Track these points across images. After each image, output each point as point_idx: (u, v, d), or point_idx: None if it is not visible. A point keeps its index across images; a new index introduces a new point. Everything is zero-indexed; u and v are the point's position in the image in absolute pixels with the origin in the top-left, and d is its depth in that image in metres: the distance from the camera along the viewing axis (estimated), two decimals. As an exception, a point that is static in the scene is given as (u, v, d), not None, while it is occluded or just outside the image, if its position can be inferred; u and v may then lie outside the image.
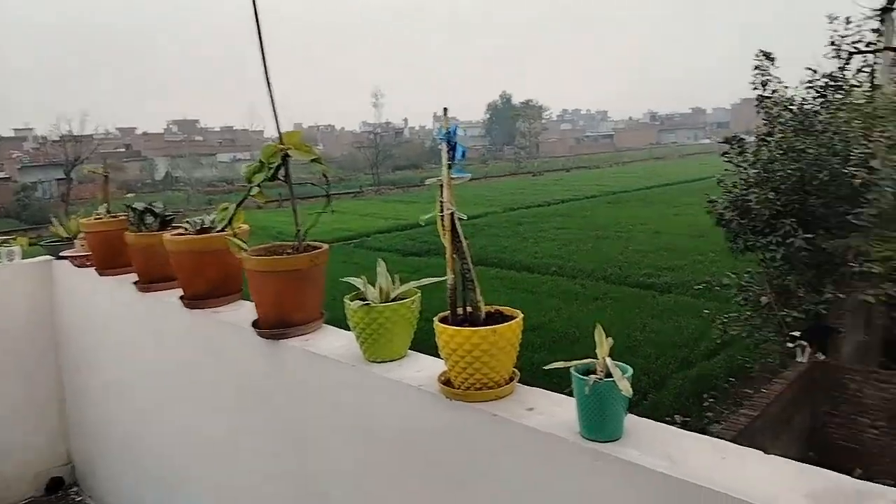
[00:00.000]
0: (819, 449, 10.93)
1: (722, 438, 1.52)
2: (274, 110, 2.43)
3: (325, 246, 2.54)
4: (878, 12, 13.88)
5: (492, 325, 1.80)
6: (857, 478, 1.32)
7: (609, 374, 1.57)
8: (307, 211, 2.55)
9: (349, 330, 2.22)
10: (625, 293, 20.67)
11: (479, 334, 1.77)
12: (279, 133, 2.43)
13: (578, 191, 52.18)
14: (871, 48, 14.26)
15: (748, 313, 12.55)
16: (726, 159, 12.38)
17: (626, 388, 1.52)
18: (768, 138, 12.14)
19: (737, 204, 11.77)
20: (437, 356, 1.97)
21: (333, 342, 2.40)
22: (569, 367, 1.64)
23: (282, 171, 2.46)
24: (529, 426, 1.66)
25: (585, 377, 1.57)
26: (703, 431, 10.09)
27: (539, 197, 48.30)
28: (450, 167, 1.86)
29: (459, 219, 1.87)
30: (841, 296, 11.03)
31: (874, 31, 14.03)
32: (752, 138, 12.73)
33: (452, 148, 1.85)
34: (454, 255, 1.88)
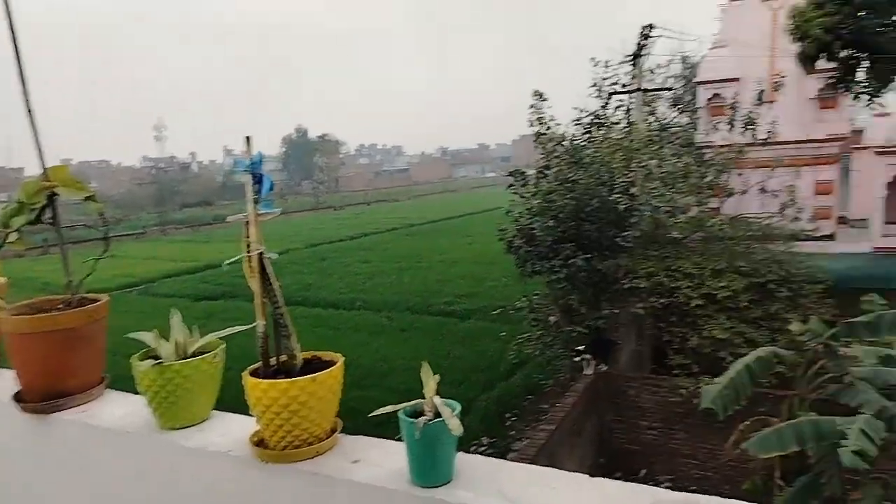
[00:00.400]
0: (609, 454, 11.99)
1: (525, 455, 1.52)
2: (37, 141, 2.07)
3: (105, 298, 2.19)
4: (631, 57, 16.00)
5: (310, 373, 1.65)
6: (643, 477, 1.39)
7: (438, 414, 1.51)
8: (81, 257, 2.19)
9: (139, 393, 1.93)
10: (428, 322, 21.20)
11: (296, 385, 1.61)
12: (44, 168, 2.07)
13: (379, 224, 52.91)
14: (626, 89, 16.40)
15: (539, 332, 13.51)
16: (512, 191, 13.24)
17: (455, 426, 1.47)
18: (546, 171, 13.26)
19: (523, 232, 12.66)
20: (249, 414, 1.77)
21: (119, 410, 2.06)
22: (396, 411, 1.55)
23: (48, 213, 2.10)
24: (356, 481, 1.54)
25: (414, 420, 1.49)
26: (507, 450, 10.60)
27: (341, 231, 48.13)
28: (256, 202, 1.70)
29: (269, 258, 1.71)
30: (616, 310, 12.32)
31: (629, 73, 16.18)
32: (533, 171, 13.83)
33: (258, 181, 1.68)
34: (264, 300, 1.71)
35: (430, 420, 1.49)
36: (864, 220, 14.48)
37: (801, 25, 11.44)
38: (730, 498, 1.33)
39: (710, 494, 1.35)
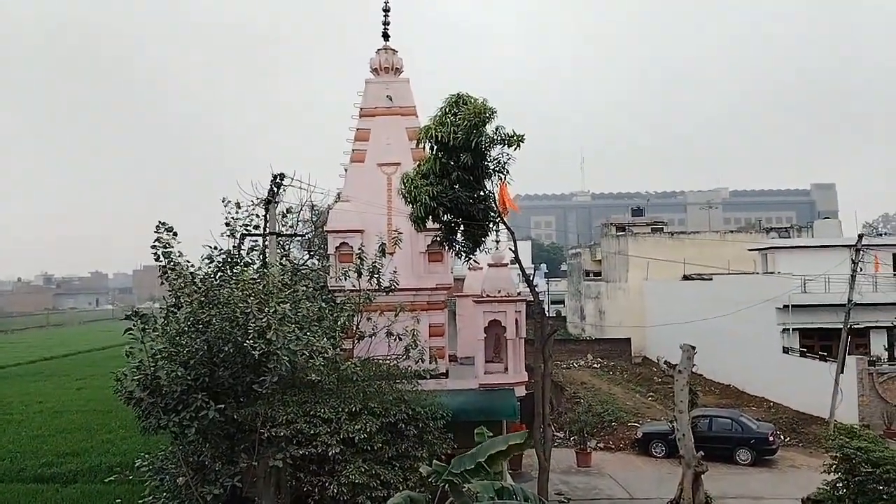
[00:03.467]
0: None
1: None
2: None
3: None
4: (264, 202, 16.32)
5: None
6: None
7: None
8: None
9: None
10: (18, 492, 17.13)
11: None
12: None
13: (-54, 369, 42.22)
14: (260, 232, 16.53)
15: (165, 496, 11.87)
16: (130, 336, 11.64)
17: None
18: (175, 310, 12.20)
19: (146, 382, 11.22)
20: None
21: None
22: None
23: None
24: None
25: None
26: None
27: None
28: None
29: None
30: (255, 463, 11.56)
31: (262, 216, 16.41)
32: (157, 306, 12.53)
33: None
34: None
35: None
36: (470, 357, 16.72)
37: (411, 191, 13.22)
38: None
39: None
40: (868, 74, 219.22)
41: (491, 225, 13.75)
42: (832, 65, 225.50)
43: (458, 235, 14.06)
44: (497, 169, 13.11)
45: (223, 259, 14.90)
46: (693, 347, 14.85)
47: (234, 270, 14.66)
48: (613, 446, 24.76)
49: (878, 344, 28.77)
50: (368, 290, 14.23)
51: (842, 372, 24.16)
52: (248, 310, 11.69)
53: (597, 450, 23.78)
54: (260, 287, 12.68)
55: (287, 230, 19.02)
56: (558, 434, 23.86)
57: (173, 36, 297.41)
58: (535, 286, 14.85)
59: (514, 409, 14.58)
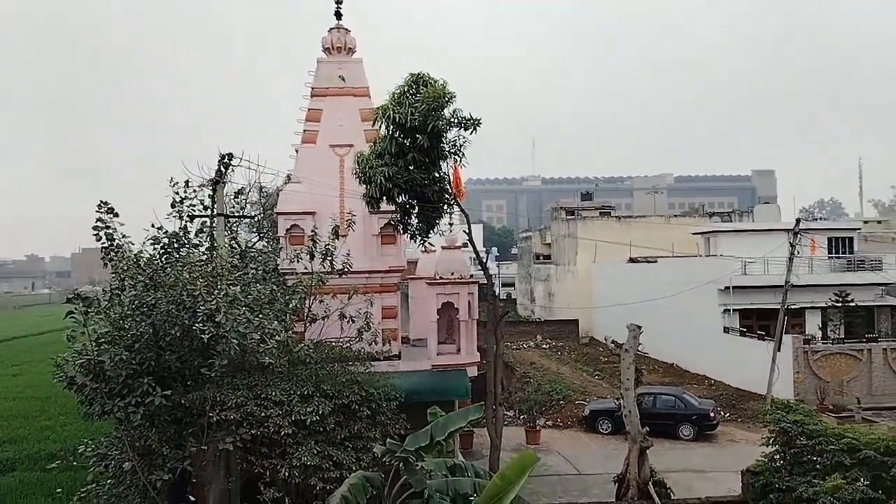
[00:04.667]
0: None
1: None
2: None
3: None
4: (211, 182, 15.91)
5: None
6: None
7: None
8: None
9: None
10: (-50, 484, 16.40)
11: None
12: None
13: None
14: (207, 214, 16.12)
15: (109, 482, 11.58)
16: (72, 320, 11.19)
17: None
18: (119, 293, 11.81)
19: (89, 366, 10.86)
20: None
21: None
22: None
23: None
24: None
25: None
26: None
27: None
28: None
29: None
30: (204, 447, 11.37)
31: (210, 197, 15.98)
32: (98, 289, 12.12)
33: None
34: None
35: None
36: (422, 339, 16.76)
37: (366, 171, 13.10)
38: None
39: None
40: (808, 67, 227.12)
41: (445, 207, 13.76)
42: (772, 58, 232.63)
43: (413, 217, 14.02)
44: (453, 151, 13.10)
45: (169, 240, 14.49)
46: (639, 327, 15.25)
47: (181, 252, 14.30)
48: (562, 424, 25.34)
49: (813, 323, 30.16)
50: (321, 272, 14.08)
51: (779, 350, 25.25)
52: (196, 292, 11.39)
53: (546, 427, 24.31)
54: (208, 269, 12.40)
55: (237, 212, 18.59)
56: (508, 413, 24.24)
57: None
58: (487, 269, 14.98)
59: (466, 389, 14.75)
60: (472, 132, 12.81)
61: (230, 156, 15.41)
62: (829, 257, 31.96)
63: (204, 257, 13.86)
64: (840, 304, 29.17)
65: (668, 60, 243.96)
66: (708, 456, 21.07)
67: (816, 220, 54.21)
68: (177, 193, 15.08)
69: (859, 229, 37.53)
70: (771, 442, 11.58)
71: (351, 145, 15.69)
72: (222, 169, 15.49)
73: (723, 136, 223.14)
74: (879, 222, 61.38)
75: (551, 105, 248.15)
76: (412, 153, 12.74)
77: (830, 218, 78.95)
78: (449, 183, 13.36)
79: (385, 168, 12.75)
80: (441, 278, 14.98)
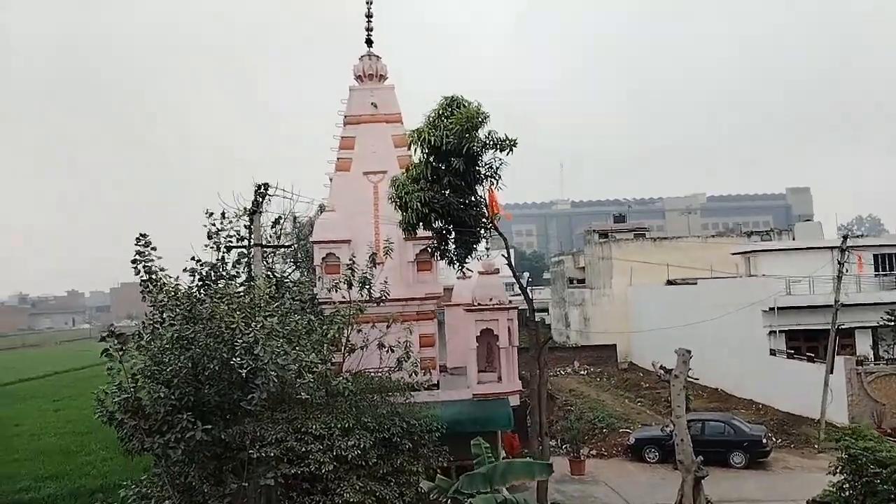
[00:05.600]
0: None
1: None
2: None
3: None
4: (248, 212, 15.92)
5: None
6: None
7: None
8: None
9: None
10: (-4, 520, 16.43)
11: None
12: None
13: (-77, 394, 40.90)
14: (244, 244, 16.10)
15: (151, 521, 11.37)
16: (107, 357, 11.06)
17: None
18: (157, 327, 11.72)
19: (128, 405, 10.72)
20: None
21: None
22: None
23: None
24: None
25: None
26: None
27: None
28: None
29: None
30: (245, 483, 11.11)
31: (247, 227, 15.98)
32: (134, 323, 12.03)
33: None
34: None
35: None
36: (460, 367, 16.40)
37: (402, 196, 12.91)
38: None
39: None
40: (839, 83, 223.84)
41: (482, 231, 13.48)
42: (805, 75, 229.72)
43: (451, 243, 13.77)
44: (489, 174, 12.89)
45: (207, 272, 14.44)
46: (689, 352, 14.63)
47: (219, 284, 14.23)
48: (606, 453, 24.55)
49: (864, 344, 28.95)
50: (359, 301, 13.87)
51: (831, 372, 24.21)
52: (234, 325, 11.24)
53: (590, 457, 23.56)
54: (246, 301, 12.27)
55: (273, 242, 18.58)
56: (551, 443, 23.56)
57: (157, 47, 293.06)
58: (528, 294, 14.61)
59: (508, 418, 14.30)
60: (508, 153, 12.59)
61: (266, 185, 15.41)
62: (875, 275, 30.82)
63: (241, 289, 13.77)
64: (893, 323, 27.96)
65: (690, 80, 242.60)
66: (763, 484, 20.12)
67: (860, 236, 52.70)
68: (213, 224, 15.14)
69: (907, 244, 36.20)
70: (839, 470, 10.89)
71: (384, 171, 15.59)
72: (258, 199, 15.48)
73: (755, 154, 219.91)
74: (925, 237, 59.38)
75: (578, 127, 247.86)
76: (448, 177, 12.54)
77: (870, 234, 76.69)
78: (486, 206, 13.10)
79: (421, 193, 12.56)
80: (480, 304, 14.64)
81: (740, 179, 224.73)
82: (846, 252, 25.22)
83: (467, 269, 14.42)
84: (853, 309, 27.39)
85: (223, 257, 15.54)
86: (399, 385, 13.20)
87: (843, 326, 26.40)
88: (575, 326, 53.80)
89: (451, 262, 13.88)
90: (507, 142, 12.41)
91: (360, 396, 12.40)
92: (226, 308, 11.59)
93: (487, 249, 14.60)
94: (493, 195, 13.38)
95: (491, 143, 12.46)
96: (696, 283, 37.51)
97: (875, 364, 26.50)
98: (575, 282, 55.33)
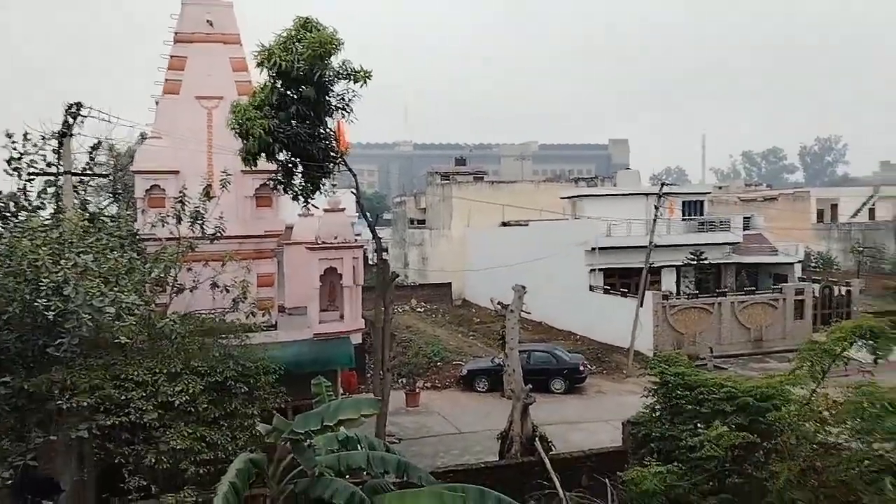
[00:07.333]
0: None
1: None
2: None
3: None
4: (57, 135, 13.93)
5: None
6: None
7: None
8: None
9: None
10: None
11: None
12: None
13: None
14: (52, 171, 14.14)
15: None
16: None
17: None
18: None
19: None
20: None
21: None
22: None
23: None
24: None
25: None
26: None
27: None
28: None
29: None
30: (53, 437, 10.01)
31: (55, 152, 14.00)
32: None
33: None
34: None
35: None
36: (300, 308, 15.86)
37: (243, 123, 11.92)
38: None
39: None
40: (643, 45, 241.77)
41: (331, 166, 12.87)
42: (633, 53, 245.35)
43: (297, 177, 13.00)
44: (340, 105, 12.24)
45: (5, 203, 12.61)
46: (524, 287, 15.38)
47: (19, 217, 12.49)
48: (440, 385, 25.54)
49: (669, 281, 32.39)
50: (190, 238, 12.78)
51: (641, 306, 26.84)
52: (39, 262, 9.94)
53: (425, 389, 24.37)
54: (54, 236, 10.86)
55: (88, 170, 16.46)
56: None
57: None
58: (376, 232, 14.38)
59: (349, 357, 14.19)
60: (361, 85, 12.02)
61: (79, 105, 13.53)
62: (682, 219, 34.30)
63: (48, 222, 12.16)
64: (695, 263, 31.48)
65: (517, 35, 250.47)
66: (579, 408, 22.07)
67: (671, 185, 58.35)
68: (14, 149, 13.16)
69: (709, 193, 40.66)
70: (652, 393, 12.09)
71: (221, 97, 14.25)
72: (69, 120, 13.58)
73: (580, 106, 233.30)
74: (720, 188, 67.24)
75: (420, 69, 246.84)
76: (296, 105, 11.74)
77: (676, 184, 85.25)
78: (335, 139, 12.49)
79: (265, 120, 11.66)
80: (324, 243, 14.15)
81: (569, 131, 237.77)
82: (661, 198, 27.70)
83: (312, 205, 13.79)
84: (664, 249, 30.40)
85: (25, 187, 13.67)
86: (234, 327, 12.51)
87: (653, 265, 29.28)
88: (414, 266, 54.75)
89: (296, 198, 13.16)
90: (362, 73, 11.83)
91: (190, 339, 11.59)
92: (28, 244, 10.21)
93: (334, 186, 14.05)
94: (343, 129, 12.81)
95: (345, 73, 11.82)
96: (527, 225, 39.51)
97: (677, 298, 29.79)
98: (416, 223, 56.01)
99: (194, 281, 12.98)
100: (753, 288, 31.71)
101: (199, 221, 12.80)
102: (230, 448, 10.72)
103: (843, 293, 31.48)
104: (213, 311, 12.74)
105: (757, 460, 10.25)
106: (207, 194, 12.97)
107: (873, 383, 9.50)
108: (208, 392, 11.02)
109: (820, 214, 54.68)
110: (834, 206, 55.40)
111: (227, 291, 12.82)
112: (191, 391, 10.73)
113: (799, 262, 34.64)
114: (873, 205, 56.19)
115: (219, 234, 13.03)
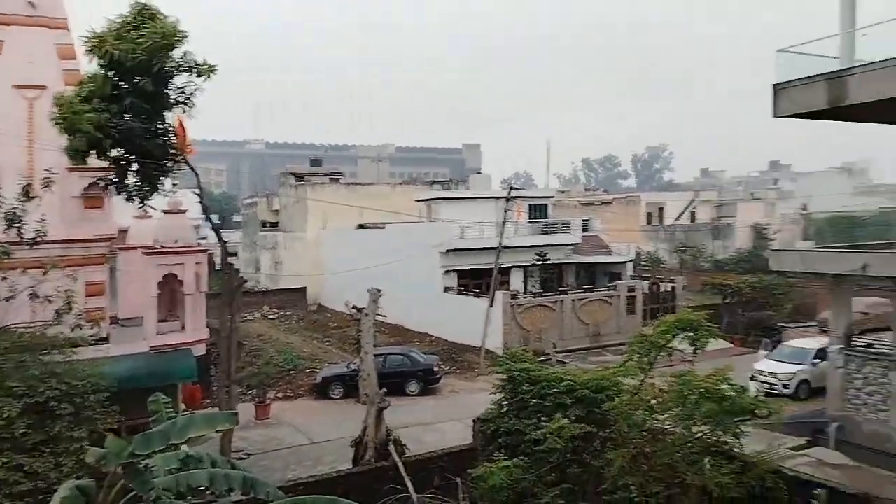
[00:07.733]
0: None
1: None
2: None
3: None
4: None
5: None
6: None
7: None
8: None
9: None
10: None
11: None
12: None
13: None
14: None
15: None
16: None
17: None
18: None
19: None
20: None
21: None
22: None
23: None
24: None
25: None
26: None
27: None
28: None
29: None
30: None
31: None
32: None
33: None
34: None
35: None
36: (136, 318, 14.72)
37: (68, 118, 10.86)
38: None
39: None
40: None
41: (170, 165, 12.04)
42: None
43: (131, 176, 12.02)
44: (181, 100, 11.50)
45: None
46: (379, 291, 15.37)
47: None
48: (292, 394, 24.88)
49: (517, 280, 33.91)
50: (4, 242, 11.42)
51: (492, 306, 27.85)
52: None
53: (276, 400, 23.60)
54: None
55: None
56: (238, 389, 22.95)
57: None
58: (222, 236, 13.68)
59: (191, 370, 13.42)
60: (205, 79, 11.38)
61: None
62: (528, 222, 36.05)
63: None
64: (540, 263, 33.19)
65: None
66: (433, 408, 22.45)
67: (518, 189, 61.13)
68: None
69: (553, 197, 43.10)
70: (500, 390, 12.56)
71: (44, 87, 12.88)
72: None
73: (436, 110, 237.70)
74: (563, 192, 71.58)
75: (276, 64, 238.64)
76: (131, 98, 10.89)
77: (524, 188, 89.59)
78: (175, 136, 11.72)
79: (95, 114, 10.68)
80: (162, 247, 13.24)
81: (424, 134, 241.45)
82: (510, 202, 28.94)
83: (150, 206, 12.84)
84: (512, 251, 31.76)
85: None
86: (57, 341, 11.35)
87: (503, 265, 30.50)
88: (266, 270, 52.90)
89: (130, 198, 12.17)
90: (206, 67, 11.20)
91: (4, 357, 10.37)
92: None
93: (175, 185, 13.18)
94: (183, 125, 12.06)
95: (186, 65, 11.14)
96: (384, 227, 39.59)
97: (525, 297, 31.25)
98: (268, 225, 54.12)
99: (10, 291, 11.62)
100: (591, 286, 34.04)
101: (17, 224, 11.48)
102: (53, 476, 9.71)
103: (669, 289, 34.62)
104: (32, 325, 11.49)
105: (594, 449, 10.98)
106: (27, 194, 11.66)
107: (693, 372, 10.54)
108: (27, 415, 9.93)
109: (649, 217, 59.96)
110: (661, 210, 60.98)
111: (50, 302, 11.60)
112: (6, 415, 9.62)
113: (631, 261, 37.67)
114: (694, 208, 62.48)
115: (39, 238, 11.77)
